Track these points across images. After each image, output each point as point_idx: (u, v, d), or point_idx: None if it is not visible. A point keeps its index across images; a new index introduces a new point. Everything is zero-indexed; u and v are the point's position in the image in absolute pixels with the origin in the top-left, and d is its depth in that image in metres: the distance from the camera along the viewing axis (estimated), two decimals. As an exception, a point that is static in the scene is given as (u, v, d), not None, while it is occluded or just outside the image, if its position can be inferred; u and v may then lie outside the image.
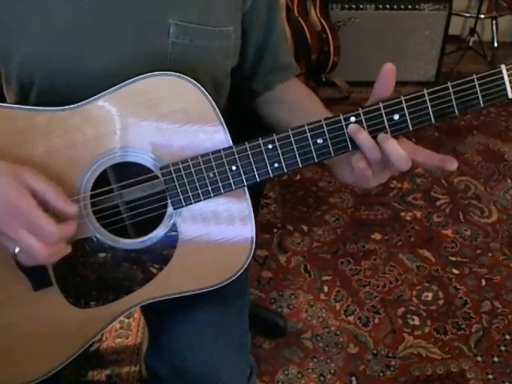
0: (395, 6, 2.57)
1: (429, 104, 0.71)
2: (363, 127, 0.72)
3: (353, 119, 0.72)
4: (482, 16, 2.89)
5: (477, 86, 0.70)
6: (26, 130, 0.76)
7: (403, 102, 0.71)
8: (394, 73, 0.71)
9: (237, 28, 0.89)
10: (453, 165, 0.71)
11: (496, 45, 2.96)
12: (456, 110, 0.71)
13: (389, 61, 0.71)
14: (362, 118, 0.72)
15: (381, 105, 0.71)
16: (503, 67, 0.69)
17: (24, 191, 0.69)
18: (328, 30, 2.40)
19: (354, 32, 2.57)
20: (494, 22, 2.93)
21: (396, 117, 0.72)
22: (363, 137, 0.72)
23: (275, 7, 0.95)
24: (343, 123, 0.73)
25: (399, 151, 0.70)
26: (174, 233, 0.81)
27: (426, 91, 0.70)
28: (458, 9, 2.84)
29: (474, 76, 0.69)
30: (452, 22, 2.66)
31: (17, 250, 0.71)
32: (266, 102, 0.99)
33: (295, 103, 0.96)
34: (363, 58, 2.53)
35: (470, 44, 2.88)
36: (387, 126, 0.72)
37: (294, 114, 0.90)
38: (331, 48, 2.40)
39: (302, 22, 2.29)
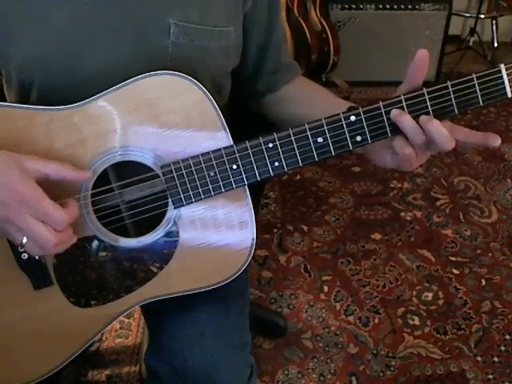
0: (395, 6, 2.57)
1: (428, 103, 0.71)
2: (362, 126, 0.72)
3: (353, 118, 0.73)
4: (482, 16, 2.90)
5: (476, 85, 0.70)
6: (26, 129, 0.76)
7: (403, 101, 0.71)
8: (427, 57, 0.71)
9: (237, 28, 0.89)
10: (496, 140, 0.71)
11: (496, 45, 2.96)
12: (456, 109, 0.71)
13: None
14: (362, 117, 0.72)
15: (381, 104, 0.71)
16: (502, 66, 0.69)
17: (28, 179, 0.69)
18: (328, 30, 2.40)
19: (353, 32, 2.57)
20: (493, 21, 2.94)
21: (396, 116, 0.72)
22: (406, 120, 0.71)
23: (275, 8, 0.95)
24: (343, 122, 0.73)
25: (443, 131, 0.70)
26: (174, 232, 0.81)
27: (425, 90, 0.71)
28: (457, 9, 2.84)
29: (474, 75, 0.70)
30: (452, 21, 2.66)
31: (24, 240, 0.70)
32: (274, 101, 0.98)
33: (304, 96, 0.95)
34: (363, 58, 2.53)
35: (470, 44, 2.88)
36: (387, 126, 0.72)
37: (306, 105, 0.90)
38: (331, 48, 2.40)
39: (302, 21, 2.29)
